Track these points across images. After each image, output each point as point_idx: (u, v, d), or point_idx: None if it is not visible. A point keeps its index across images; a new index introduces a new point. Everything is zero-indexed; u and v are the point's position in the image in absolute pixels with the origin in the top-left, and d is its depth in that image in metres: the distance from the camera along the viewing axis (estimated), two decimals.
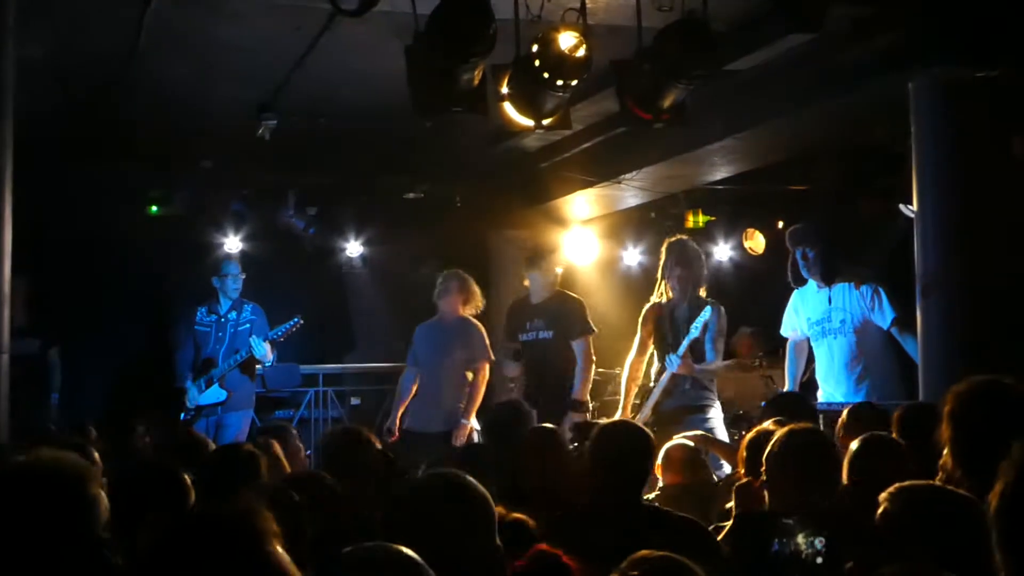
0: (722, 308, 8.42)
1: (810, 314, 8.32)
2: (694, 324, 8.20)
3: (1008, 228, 6.50)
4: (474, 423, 9.23)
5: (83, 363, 11.51)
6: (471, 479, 3.26)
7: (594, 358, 9.10)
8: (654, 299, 8.63)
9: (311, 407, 11.97)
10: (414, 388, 9.48)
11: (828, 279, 8.14)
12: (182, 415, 9.91)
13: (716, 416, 8.32)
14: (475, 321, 9.47)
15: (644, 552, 2.86)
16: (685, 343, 8.24)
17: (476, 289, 9.57)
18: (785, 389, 8.55)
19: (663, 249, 8.60)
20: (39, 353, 10.55)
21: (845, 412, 5.95)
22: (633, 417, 8.32)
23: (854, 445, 4.64)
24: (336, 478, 4.49)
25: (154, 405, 9.68)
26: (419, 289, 10.39)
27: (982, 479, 3.14)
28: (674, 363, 8.25)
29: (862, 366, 7.97)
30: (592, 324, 9.17)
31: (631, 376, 8.64)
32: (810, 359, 8.52)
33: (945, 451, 4.19)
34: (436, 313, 9.55)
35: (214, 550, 1.99)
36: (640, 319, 8.66)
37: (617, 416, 8.47)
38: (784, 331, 8.63)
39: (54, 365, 10.83)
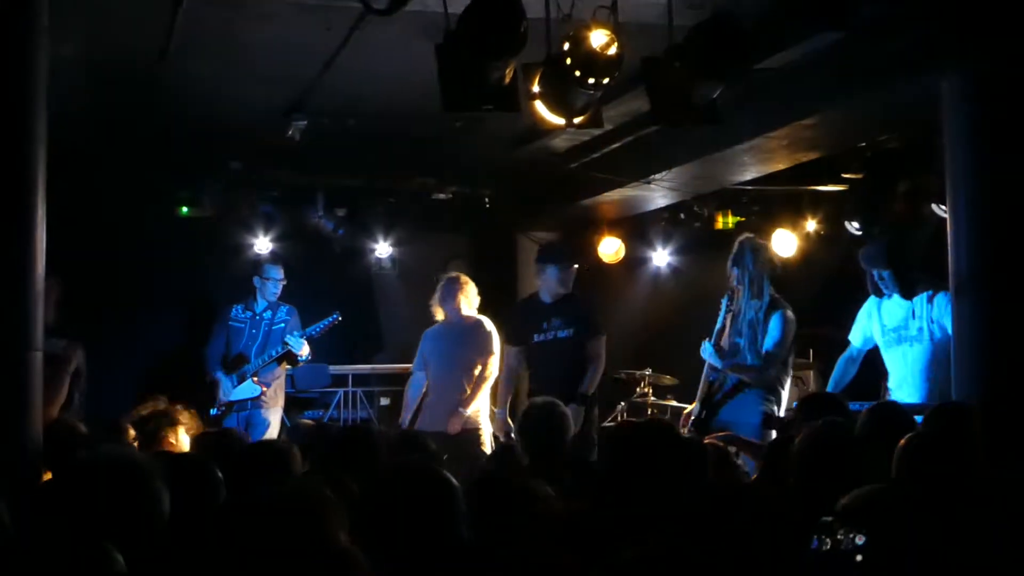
0: (788, 312, 8.32)
1: (887, 320, 8.38)
2: (720, 315, 8.20)
3: None
4: (486, 424, 9.33)
5: (111, 364, 11.54)
6: (441, 470, 3.41)
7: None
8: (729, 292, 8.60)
9: (340, 408, 11.99)
10: (422, 393, 9.65)
11: (908, 295, 8.15)
12: (212, 411, 9.98)
13: (770, 400, 8.25)
14: (484, 320, 9.63)
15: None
16: (728, 347, 8.22)
17: (472, 286, 9.71)
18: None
19: (733, 247, 8.59)
20: (63, 354, 10.59)
21: (864, 412, 5.87)
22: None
23: (902, 442, 4.59)
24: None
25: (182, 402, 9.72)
26: None
27: None
28: (713, 357, 8.23)
29: (937, 374, 7.93)
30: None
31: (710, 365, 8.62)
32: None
33: None
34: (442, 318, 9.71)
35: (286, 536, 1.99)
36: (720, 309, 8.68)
37: (693, 409, 8.52)
38: (853, 337, 8.64)
39: (80, 366, 10.86)
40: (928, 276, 8.18)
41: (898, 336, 8.27)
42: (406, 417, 9.58)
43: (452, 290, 9.58)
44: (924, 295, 8.11)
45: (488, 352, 9.43)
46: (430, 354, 9.65)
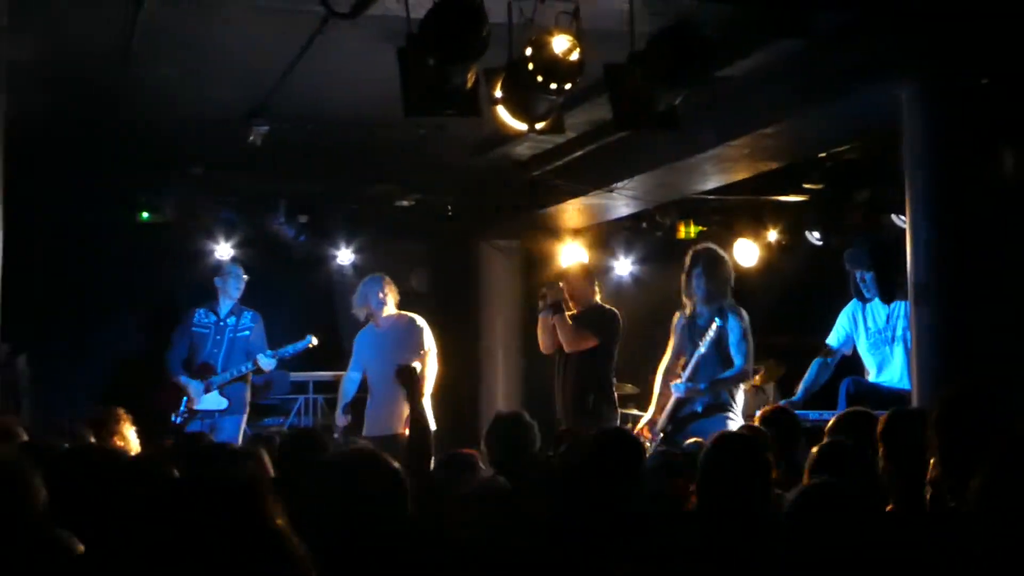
0: (742, 310, 8.35)
1: (871, 323, 8.58)
2: (703, 341, 8.16)
3: (998, 237, 6.49)
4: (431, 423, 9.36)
5: (70, 370, 11.45)
6: (382, 455, 3.46)
7: None
8: (683, 303, 8.59)
9: (300, 415, 11.93)
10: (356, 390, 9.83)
11: (888, 299, 8.24)
12: (174, 417, 9.93)
13: (735, 419, 8.26)
14: (416, 317, 9.79)
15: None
16: (691, 365, 8.19)
17: (393, 284, 9.89)
18: (796, 396, 8.62)
19: (688, 257, 8.56)
20: (6, 360, 10.50)
21: (832, 419, 5.91)
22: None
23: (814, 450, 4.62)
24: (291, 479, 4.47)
25: (142, 410, 9.67)
26: (409, 297, 10.45)
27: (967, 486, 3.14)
28: (680, 389, 8.22)
29: None
30: None
31: (664, 381, 8.61)
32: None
33: (932, 459, 4.16)
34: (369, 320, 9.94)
35: (219, 513, 1.98)
36: (671, 326, 8.66)
37: (646, 418, 8.50)
38: (832, 339, 8.73)
39: (22, 372, 10.79)
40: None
41: (883, 338, 8.42)
42: (341, 409, 9.65)
43: (378, 290, 9.71)
44: (905, 302, 8.19)
45: (424, 349, 9.59)
46: (368, 359, 9.74)
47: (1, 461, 3.22)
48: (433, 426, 9.22)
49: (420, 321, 9.71)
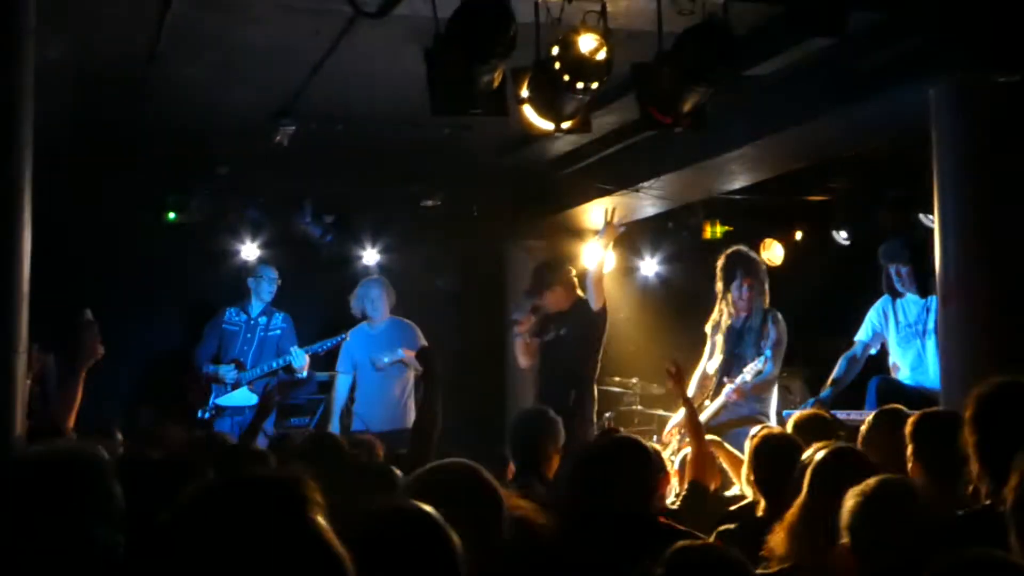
0: (779, 314, 8.46)
1: (903, 317, 8.63)
2: (760, 357, 8.23)
3: None
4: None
5: (99, 369, 11.47)
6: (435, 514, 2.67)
7: None
8: (721, 310, 8.63)
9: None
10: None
11: (925, 292, 8.26)
12: (201, 412, 9.97)
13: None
14: (407, 321, 10.24)
15: (685, 543, 2.81)
16: (745, 375, 8.23)
17: (391, 288, 10.28)
18: (824, 393, 8.62)
19: (723, 259, 8.61)
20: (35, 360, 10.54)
21: (868, 419, 5.87)
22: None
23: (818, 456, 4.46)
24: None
25: (168, 410, 9.69)
26: (435, 298, 10.47)
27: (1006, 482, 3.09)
28: (729, 391, 8.29)
29: None
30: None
31: (700, 384, 8.66)
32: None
33: (971, 456, 4.12)
34: (369, 319, 10.30)
35: (257, 512, 1.96)
36: (709, 328, 8.70)
37: (673, 421, 8.53)
38: (862, 335, 8.74)
39: (49, 372, 10.81)
40: None
41: (916, 331, 8.43)
42: (337, 416, 9.77)
43: (380, 292, 10.09)
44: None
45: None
46: (361, 359, 9.88)
47: (89, 458, 3.18)
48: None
49: (412, 324, 10.10)
